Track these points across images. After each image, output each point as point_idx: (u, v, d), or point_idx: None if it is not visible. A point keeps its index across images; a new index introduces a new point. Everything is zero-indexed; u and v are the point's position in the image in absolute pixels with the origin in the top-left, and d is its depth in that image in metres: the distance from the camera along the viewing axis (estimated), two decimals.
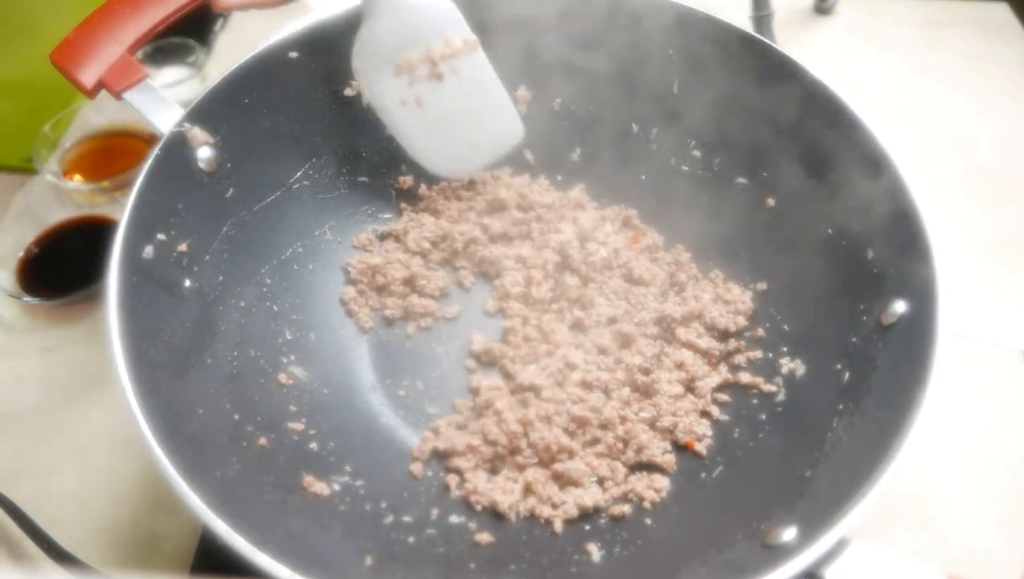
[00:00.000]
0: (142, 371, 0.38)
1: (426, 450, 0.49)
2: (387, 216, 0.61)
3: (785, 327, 0.53)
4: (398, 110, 0.54)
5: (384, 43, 0.51)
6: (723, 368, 0.53)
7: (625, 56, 0.58)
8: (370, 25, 0.51)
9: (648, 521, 0.46)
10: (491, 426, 0.49)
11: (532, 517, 0.46)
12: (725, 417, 0.51)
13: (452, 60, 0.53)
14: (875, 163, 0.47)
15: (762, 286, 0.55)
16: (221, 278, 0.49)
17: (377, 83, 0.52)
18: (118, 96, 0.47)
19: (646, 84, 0.58)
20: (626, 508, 0.47)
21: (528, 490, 0.47)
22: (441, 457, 0.49)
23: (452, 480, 0.48)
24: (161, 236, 0.45)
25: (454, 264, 0.59)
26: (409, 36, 0.52)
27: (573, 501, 0.46)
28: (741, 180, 0.57)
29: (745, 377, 0.52)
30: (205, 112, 0.48)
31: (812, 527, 0.36)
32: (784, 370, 0.51)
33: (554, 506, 0.47)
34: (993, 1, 0.93)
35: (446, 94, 0.54)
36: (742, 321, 0.54)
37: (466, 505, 0.47)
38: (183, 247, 0.47)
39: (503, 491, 0.47)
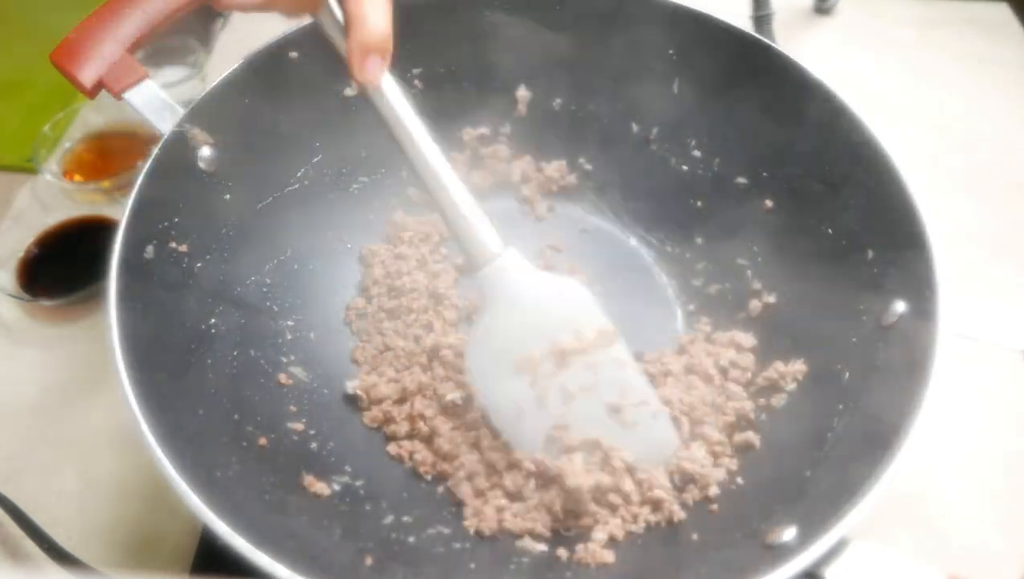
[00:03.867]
0: (142, 371, 0.38)
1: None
2: (388, 217, 0.61)
3: (784, 328, 0.53)
4: (516, 413, 0.45)
5: (502, 338, 0.44)
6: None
7: (626, 56, 0.58)
8: (488, 318, 0.44)
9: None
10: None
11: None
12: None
13: (583, 356, 0.44)
14: (874, 163, 0.47)
15: (770, 299, 0.54)
16: (221, 278, 0.49)
17: (493, 382, 0.45)
18: (118, 96, 0.47)
19: (647, 84, 0.58)
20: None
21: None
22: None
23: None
24: (161, 236, 0.45)
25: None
26: (532, 330, 0.44)
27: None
28: (741, 180, 0.57)
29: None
30: (205, 112, 0.48)
31: (812, 527, 0.36)
32: (784, 370, 0.51)
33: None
34: (993, 1, 0.93)
35: (576, 396, 0.45)
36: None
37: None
38: (183, 247, 0.47)
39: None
